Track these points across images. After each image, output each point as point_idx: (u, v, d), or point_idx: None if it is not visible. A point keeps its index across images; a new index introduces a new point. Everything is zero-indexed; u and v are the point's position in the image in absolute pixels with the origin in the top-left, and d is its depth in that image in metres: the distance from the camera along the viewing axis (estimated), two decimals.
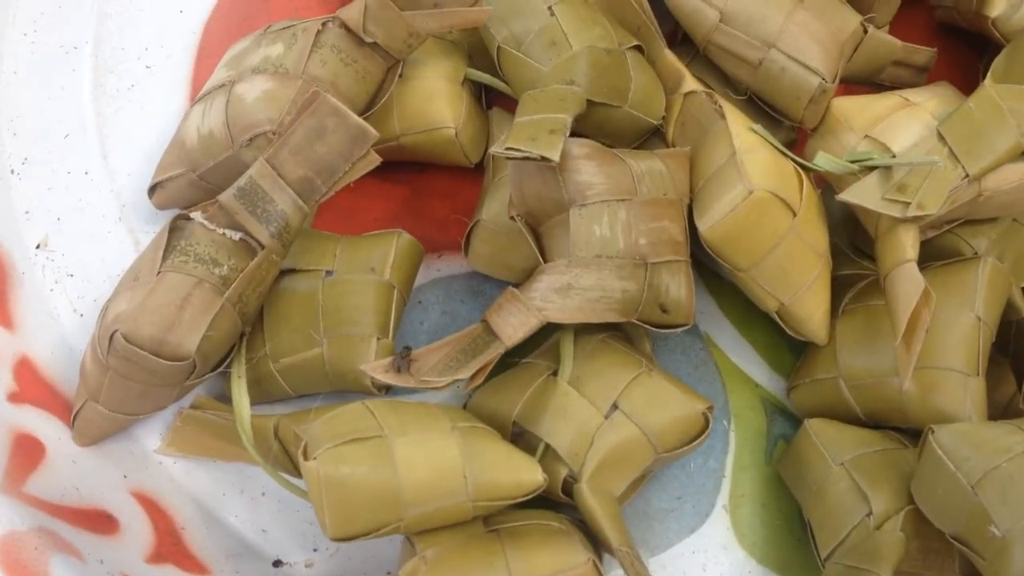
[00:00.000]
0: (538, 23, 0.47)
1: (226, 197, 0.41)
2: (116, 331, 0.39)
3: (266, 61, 0.45)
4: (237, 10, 0.55)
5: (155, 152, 0.50)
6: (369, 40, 0.46)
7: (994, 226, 0.49)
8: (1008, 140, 0.44)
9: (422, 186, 0.52)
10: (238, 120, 0.44)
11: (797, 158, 0.46)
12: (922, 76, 0.54)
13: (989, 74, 0.46)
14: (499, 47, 0.48)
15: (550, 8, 0.47)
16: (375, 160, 0.41)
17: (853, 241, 0.51)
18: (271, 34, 0.47)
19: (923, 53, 0.53)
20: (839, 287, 0.49)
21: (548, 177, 0.42)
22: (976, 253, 0.48)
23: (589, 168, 0.43)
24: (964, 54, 0.57)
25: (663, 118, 0.49)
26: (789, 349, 0.50)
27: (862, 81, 0.54)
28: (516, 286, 0.43)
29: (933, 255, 0.49)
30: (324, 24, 0.45)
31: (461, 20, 0.46)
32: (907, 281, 0.42)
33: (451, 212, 0.51)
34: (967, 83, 0.56)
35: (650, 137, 0.51)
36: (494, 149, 0.41)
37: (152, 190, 0.48)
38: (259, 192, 0.40)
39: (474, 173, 0.51)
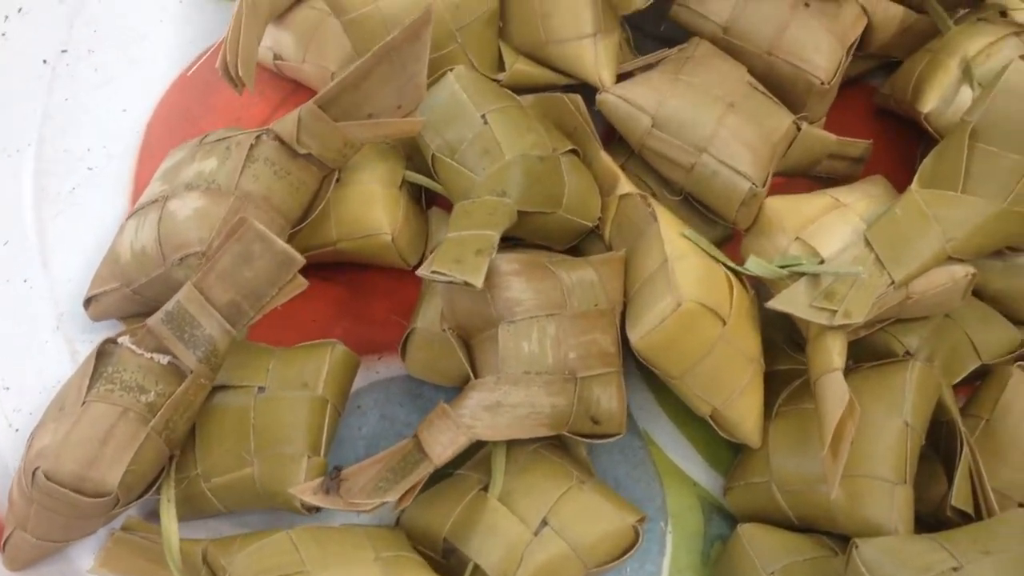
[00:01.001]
0: (472, 131, 0.47)
1: (154, 321, 0.41)
2: (38, 468, 0.39)
3: (199, 176, 0.45)
4: (180, 108, 0.56)
5: (95, 257, 0.50)
6: (303, 151, 0.46)
7: (925, 323, 0.49)
8: (932, 247, 0.45)
9: (361, 286, 0.52)
10: (170, 239, 0.44)
11: (729, 263, 0.47)
12: (858, 166, 0.55)
13: (916, 177, 0.47)
14: (433, 155, 0.48)
15: (484, 117, 0.47)
16: (302, 284, 0.41)
17: (790, 335, 0.51)
18: (206, 146, 0.47)
19: (858, 146, 0.54)
20: (775, 383, 0.49)
21: (476, 295, 0.42)
22: (908, 351, 0.49)
23: (518, 284, 0.43)
24: (903, 136, 0.58)
25: (600, 219, 0.50)
26: (727, 445, 0.50)
27: (798, 174, 0.54)
28: (460, 386, 0.44)
29: (865, 353, 0.50)
30: (258, 137, 0.46)
31: (395, 130, 0.46)
32: (833, 391, 0.43)
33: (390, 313, 0.51)
34: (905, 164, 0.57)
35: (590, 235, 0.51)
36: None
37: (88, 303, 0.48)
38: (186, 317, 0.41)
39: (414, 271, 0.51)
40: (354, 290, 0.52)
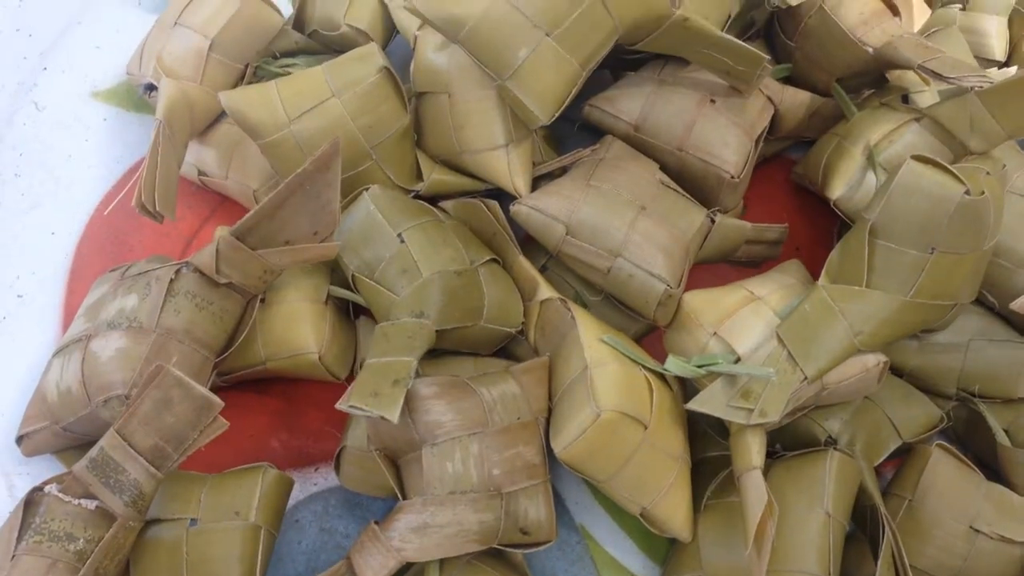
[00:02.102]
0: (389, 251, 0.48)
1: (79, 469, 0.41)
2: None
3: (120, 314, 0.46)
4: (108, 228, 0.56)
5: (28, 387, 0.51)
6: (224, 281, 0.47)
7: (847, 407, 0.51)
8: (841, 342, 0.46)
9: (296, 397, 0.53)
10: (93, 380, 0.44)
11: (649, 363, 0.48)
12: (776, 248, 0.57)
13: (824, 271, 0.48)
14: (353, 275, 0.49)
15: (400, 235, 0.48)
16: (222, 425, 0.42)
17: (719, 421, 0.52)
18: (127, 281, 0.48)
19: (774, 230, 0.56)
20: (704, 471, 0.50)
21: (397, 422, 0.43)
22: (830, 435, 0.50)
23: (438, 407, 0.44)
24: (823, 207, 0.59)
25: (524, 323, 0.51)
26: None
27: (718, 261, 0.56)
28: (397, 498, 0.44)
29: (789, 438, 0.51)
30: (177, 271, 0.46)
31: (312, 255, 0.47)
32: (753, 490, 0.44)
33: (325, 424, 0.52)
34: (826, 236, 0.59)
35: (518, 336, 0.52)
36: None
37: (19, 440, 0.48)
38: (111, 463, 0.41)
39: (350, 378, 0.52)
40: (289, 402, 0.53)
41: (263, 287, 0.48)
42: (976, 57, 0.64)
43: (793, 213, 0.61)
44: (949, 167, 0.45)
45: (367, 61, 0.49)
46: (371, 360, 0.44)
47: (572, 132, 0.57)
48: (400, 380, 0.42)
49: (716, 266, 0.57)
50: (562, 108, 0.47)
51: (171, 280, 0.46)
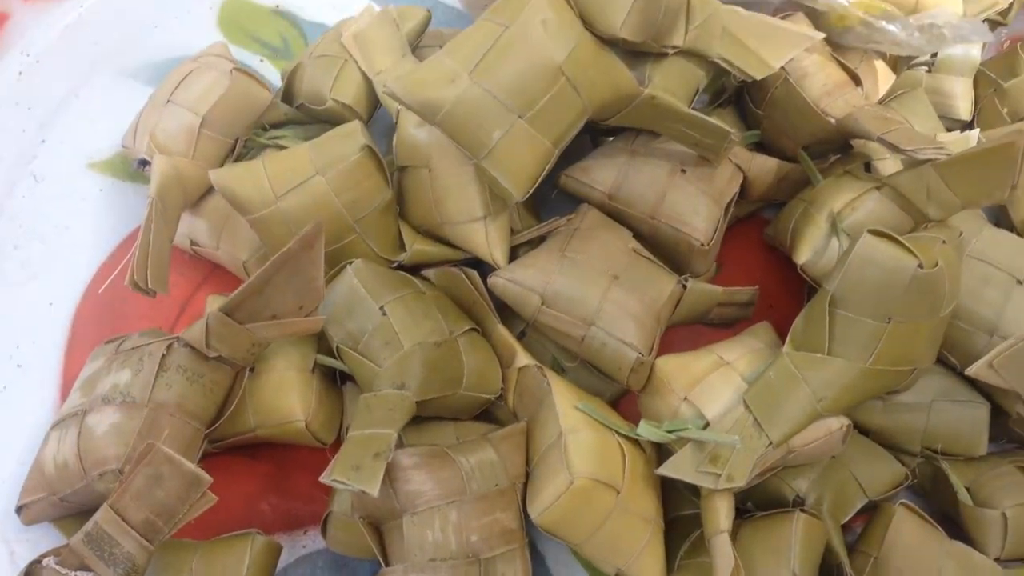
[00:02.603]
0: (371, 323, 0.50)
1: (75, 542, 0.43)
2: None
3: (115, 389, 0.48)
4: (105, 297, 0.59)
5: (28, 456, 0.52)
6: (213, 355, 0.49)
7: (814, 466, 0.53)
8: (804, 408, 0.48)
9: (286, 461, 0.55)
10: (89, 454, 0.46)
11: (622, 429, 0.50)
12: (748, 309, 0.59)
13: (789, 338, 0.51)
14: (338, 347, 0.51)
15: (382, 308, 0.50)
16: (211, 500, 0.44)
17: None
18: (121, 355, 0.50)
19: (744, 292, 0.58)
20: (678, 529, 0.52)
21: (379, 492, 0.45)
22: (798, 495, 0.52)
23: (418, 477, 0.46)
24: (793, 268, 0.61)
25: (503, 388, 0.53)
26: None
27: (691, 323, 0.58)
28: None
29: (759, 497, 0.53)
30: (169, 346, 0.49)
31: (298, 329, 0.49)
32: (721, 553, 0.46)
33: (314, 487, 0.54)
34: (798, 295, 0.61)
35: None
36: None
37: (19, 510, 0.50)
38: (105, 537, 0.43)
39: (336, 443, 0.54)
40: (279, 466, 0.55)
41: (252, 359, 0.50)
42: (943, 117, 0.66)
43: (767, 272, 0.63)
44: (903, 241, 0.47)
45: (350, 140, 0.52)
46: (354, 432, 0.46)
47: (552, 196, 0.59)
48: (380, 453, 0.44)
49: (691, 327, 0.59)
50: (535, 185, 0.49)
51: (163, 355, 0.48)
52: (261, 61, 0.68)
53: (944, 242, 0.50)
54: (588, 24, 0.48)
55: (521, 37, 0.47)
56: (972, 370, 0.49)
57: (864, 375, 0.49)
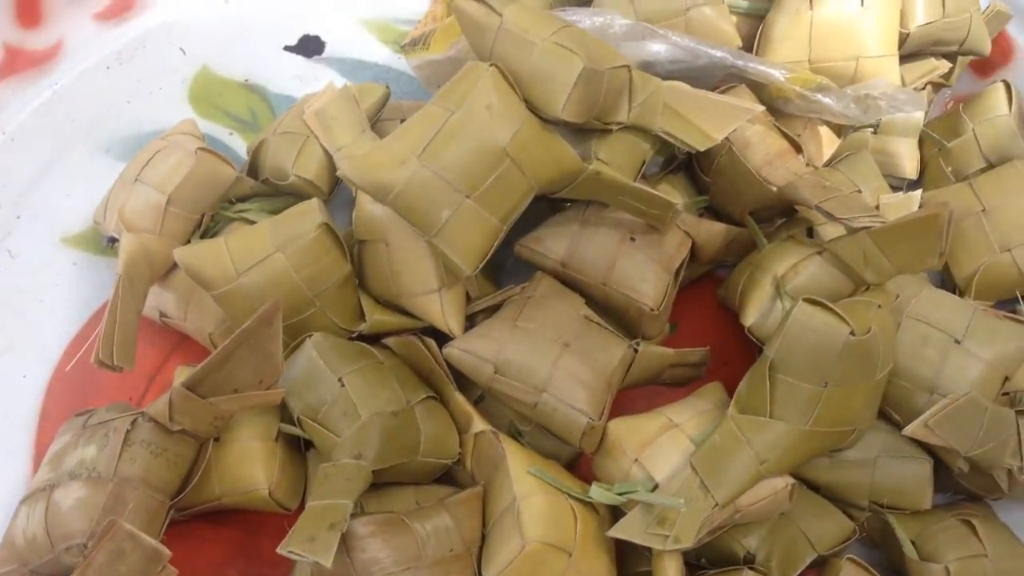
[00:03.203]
0: (330, 395, 0.52)
1: None
2: None
3: (81, 465, 0.50)
4: (76, 369, 0.60)
5: (0, 528, 0.54)
6: (177, 428, 0.51)
7: (763, 523, 0.54)
8: (748, 470, 0.50)
9: (253, 526, 0.57)
10: (56, 528, 0.48)
11: (575, 492, 0.52)
12: (700, 369, 0.61)
13: (733, 401, 0.53)
14: (298, 417, 0.53)
15: (340, 380, 0.52)
16: (172, 573, 0.45)
17: None
18: (88, 430, 0.52)
19: (695, 353, 0.60)
20: None
21: (336, 561, 0.47)
22: (748, 552, 0.54)
23: (374, 545, 0.48)
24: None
25: (461, 453, 0.55)
26: None
27: (645, 384, 0.60)
28: None
29: (710, 553, 0.54)
30: (133, 421, 0.50)
31: (258, 402, 0.51)
32: None
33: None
34: (751, 351, 0.63)
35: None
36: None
37: None
38: None
39: (301, 508, 0.55)
40: (245, 531, 0.57)
41: (216, 431, 0.52)
42: (890, 176, 0.69)
43: (721, 329, 0.65)
44: (836, 309, 0.49)
45: (307, 218, 0.54)
46: (311, 503, 0.48)
47: (508, 264, 0.61)
48: (336, 524, 0.46)
49: (648, 387, 0.61)
50: (485, 259, 0.51)
51: (127, 431, 0.50)
52: (231, 134, 0.71)
53: (880, 306, 0.52)
54: (532, 107, 0.51)
55: (467, 121, 0.49)
56: (909, 430, 0.51)
57: (805, 437, 0.50)
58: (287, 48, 0.75)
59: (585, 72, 0.50)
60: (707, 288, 0.67)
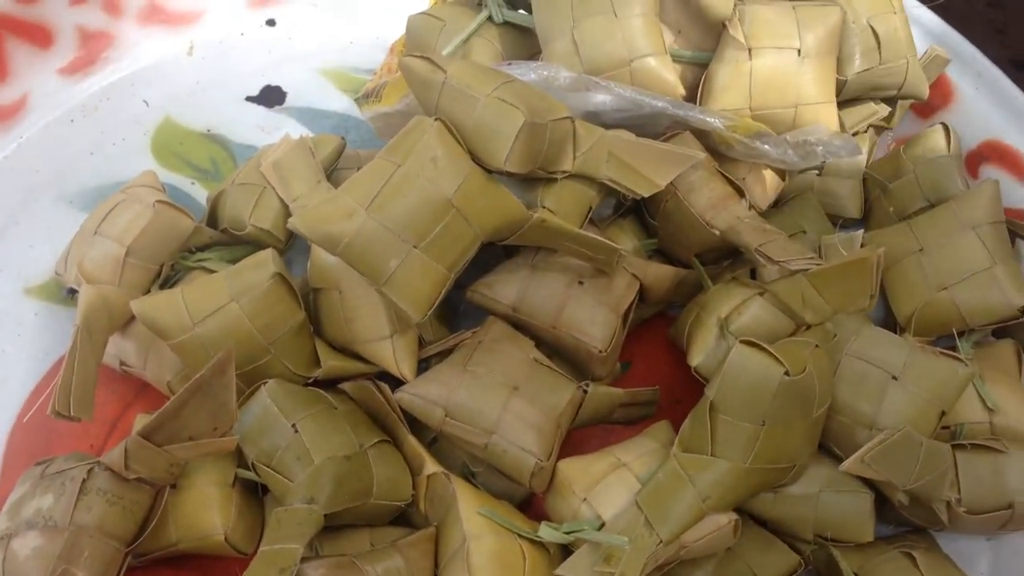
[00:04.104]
0: (284, 440, 0.53)
1: None
2: None
3: (38, 514, 0.51)
4: (37, 420, 0.61)
5: None
6: (133, 477, 0.52)
7: (710, 558, 0.56)
8: (691, 507, 0.52)
9: (212, 570, 0.58)
10: None
11: (524, 532, 0.53)
12: (650, 408, 0.62)
13: (677, 440, 0.54)
14: (253, 463, 0.54)
15: (294, 425, 0.54)
16: None
17: None
18: (46, 480, 0.52)
19: (645, 393, 0.61)
20: None
21: None
22: None
23: None
24: None
25: (414, 495, 0.56)
26: None
27: (597, 424, 0.61)
28: None
29: None
30: (89, 470, 0.51)
31: (213, 449, 0.52)
32: None
33: None
34: (700, 389, 0.64)
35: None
36: None
37: None
38: None
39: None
40: (203, 575, 0.57)
41: (172, 478, 0.53)
42: (836, 216, 0.71)
43: (673, 368, 0.67)
44: (771, 350, 0.51)
45: (261, 268, 0.56)
46: (263, 547, 0.49)
47: (461, 309, 0.63)
48: (286, 568, 0.47)
49: (602, 427, 0.62)
50: (433, 306, 0.53)
51: (83, 480, 0.51)
52: (192, 184, 0.72)
53: (817, 346, 0.54)
54: (477, 160, 0.53)
55: (413, 174, 0.51)
56: (845, 466, 0.53)
57: (745, 474, 0.52)
58: (249, 98, 0.77)
59: (526, 125, 0.51)
60: (660, 327, 0.68)
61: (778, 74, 0.63)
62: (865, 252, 0.52)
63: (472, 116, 0.52)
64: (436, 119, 0.53)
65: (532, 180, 0.57)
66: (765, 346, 0.51)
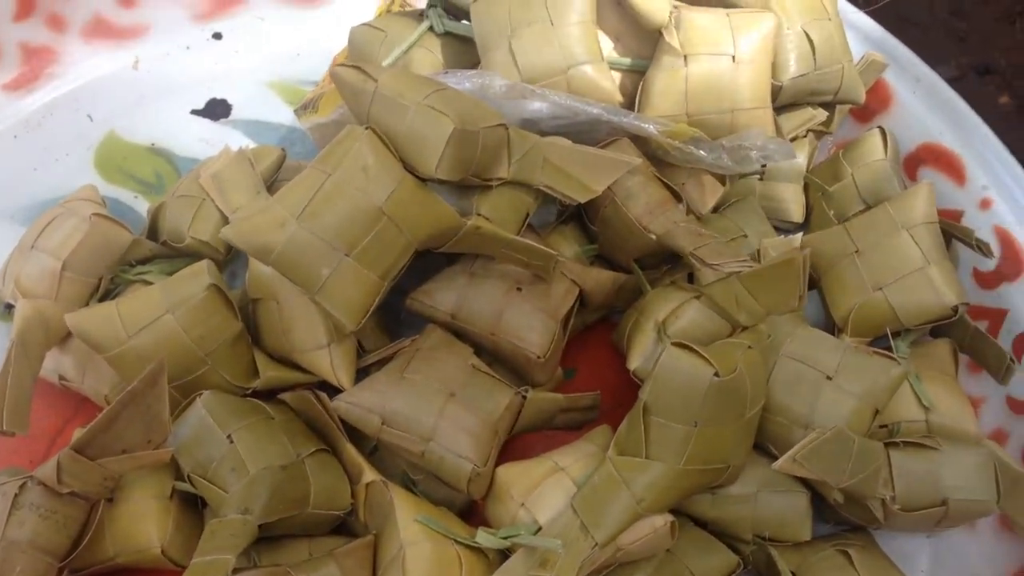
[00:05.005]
0: (219, 451, 0.53)
1: None
2: None
3: None
4: None
5: None
6: (66, 491, 0.51)
7: (650, 560, 0.56)
8: (626, 510, 0.52)
9: None
10: None
11: (460, 538, 0.53)
12: (592, 412, 0.63)
13: (613, 443, 0.54)
14: (189, 475, 0.54)
15: (229, 436, 0.53)
16: None
17: None
18: None
19: (586, 398, 0.62)
20: None
21: None
22: None
23: None
24: None
25: (353, 504, 0.56)
26: None
27: (538, 429, 0.61)
28: None
29: None
30: (22, 485, 0.51)
31: (147, 461, 0.52)
32: None
33: None
34: None
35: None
36: None
37: None
38: None
39: None
40: None
41: (106, 492, 0.53)
42: (779, 220, 0.72)
43: (618, 372, 0.67)
44: (701, 351, 0.51)
45: (196, 280, 0.55)
46: (195, 559, 0.49)
47: (404, 314, 0.63)
48: None
49: (546, 433, 0.63)
50: (368, 314, 0.53)
51: (15, 495, 0.51)
52: (136, 198, 0.72)
53: (750, 347, 0.54)
54: (408, 167, 0.53)
55: (344, 182, 0.51)
56: (777, 465, 0.53)
57: (680, 476, 0.52)
58: (194, 112, 0.77)
59: (456, 132, 0.52)
60: (604, 333, 0.69)
61: (713, 80, 0.64)
62: (792, 253, 0.53)
63: (403, 124, 0.53)
64: (367, 127, 0.53)
65: (467, 187, 0.57)
66: (696, 347, 0.52)
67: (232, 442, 0.53)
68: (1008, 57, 0.90)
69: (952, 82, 0.75)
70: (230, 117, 0.77)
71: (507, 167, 0.58)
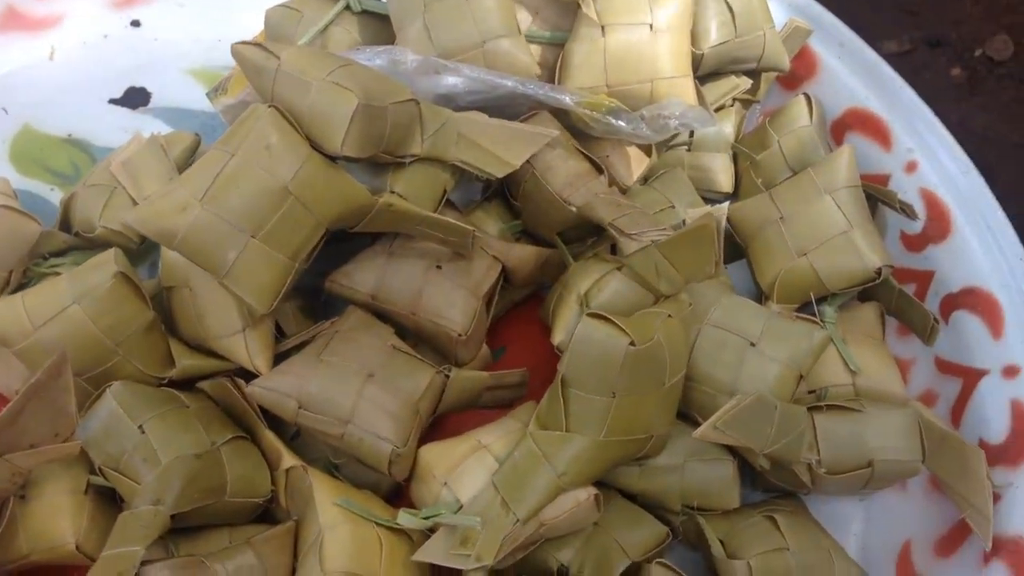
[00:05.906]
0: (130, 442, 0.52)
1: None
2: None
3: None
4: None
5: None
6: None
7: (578, 535, 0.56)
8: (547, 484, 0.51)
9: None
10: None
11: (381, 520, 0.52)
12: (520, 390, 0.62)
13: (534, 418, 0.54)
14: (100, 468, 0.53)
15: (140, 427, 0.52)
16: None
17: None
18: None
19: (513, 375, 0.61)
20: None
21: None
22: (562, 564, 0.55)
23: None
24: None
25: (274, 491, 0.55)
26: None
27: (465, 408, 0.61)
28: None
29: (528, 568, 0.55)
30: None
31: (55, 455, 0.51)
32: None
33: None
34: None
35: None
36: None
37: None
38: None
39: None
40: None
41: (15, 488, 0.51)
42: (708, 191, 0.72)
43: (548, 349, 0.66)
44: (617, 321, 0.51)
45: (103, 268, 0.54)
46: (105, 552, 0.48)
47: (325, 296, 0.62)
48: (124, 572, 0.46)
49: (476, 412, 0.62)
50: (279, 296, 0.52)
51: None
52: (52, 190, 0.71)
53: (670, 316, 0.54)
54: (315, 145, 0.52)
55: (247, 162, 0.50)
56: (698, 433, 0.53)
57: (600, 447, 0.52)
58: (112, 101, 0.75)
59: (361, 108, 0.51)
60: (533, 310, 0.68)
61: (632, 50, 0.63)
62: (704, 219, 0.53)
63: (306, 101, 0.52)
64: (270, 106, 0.52)
65: (381, 165, 0.57)
66: (611, 317, 0.51)
67: (143, 432, 0.52)
68: (959, 30, 0.90)
69: (903, 55, 0.75)
70: (149, 105, 0.75)
71: (420, 143, 0.57)
